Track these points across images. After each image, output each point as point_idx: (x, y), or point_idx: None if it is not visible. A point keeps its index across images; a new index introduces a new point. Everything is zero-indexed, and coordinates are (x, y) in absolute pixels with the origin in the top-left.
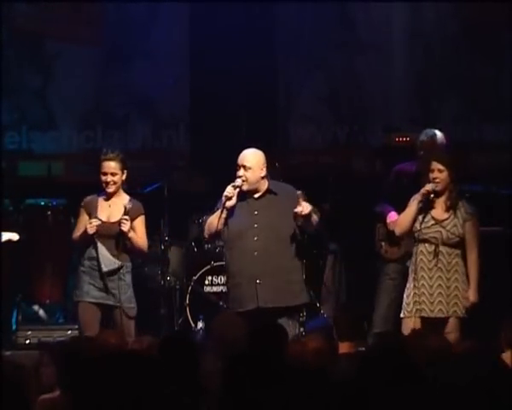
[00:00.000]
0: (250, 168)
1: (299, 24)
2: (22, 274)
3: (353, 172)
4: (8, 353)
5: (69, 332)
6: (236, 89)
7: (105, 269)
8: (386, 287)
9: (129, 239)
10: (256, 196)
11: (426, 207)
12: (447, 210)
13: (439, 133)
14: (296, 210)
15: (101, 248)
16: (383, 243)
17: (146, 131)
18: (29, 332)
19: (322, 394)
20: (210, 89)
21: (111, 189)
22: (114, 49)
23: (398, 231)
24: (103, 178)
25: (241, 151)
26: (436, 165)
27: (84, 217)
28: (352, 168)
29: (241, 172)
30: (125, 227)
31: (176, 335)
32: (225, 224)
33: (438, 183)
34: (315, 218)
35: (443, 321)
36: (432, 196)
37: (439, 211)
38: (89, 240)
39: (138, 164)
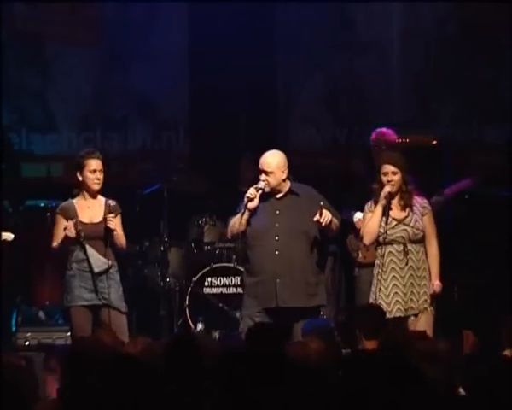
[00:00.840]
0: (271, 172)
1: (298, 25)
2: (22, 276)
3: (353, 173)
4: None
5: (68, 334)
6: (236, 90)
7: (97, 270)
8: (366, 294)
9: (113, 237)
10: (278, 196)
11: (385, 209)
12: (403, 209)
13: (388, 131)
14: (316, 219)
15: (90, 250)
16: (359, 252)
17: (145, 132)
18: (28, 334)
19: (323, 394)
20: (210, 90)
21: (98, 186)
22: (114, 51)
23: (367, 240)
24: (92, 175)
25: (240, 153)
26: (389, 167)
27: (62, 224)
28: (351, 170)
29: (262, 176)
30: (112, 224)
31: (181, 336)
32: (248, 223)
33: (393, 185)
34: (335, 222)
35: (411, 318)
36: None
37: (396, 211)
38: (69, 244)
39: (138, 166)
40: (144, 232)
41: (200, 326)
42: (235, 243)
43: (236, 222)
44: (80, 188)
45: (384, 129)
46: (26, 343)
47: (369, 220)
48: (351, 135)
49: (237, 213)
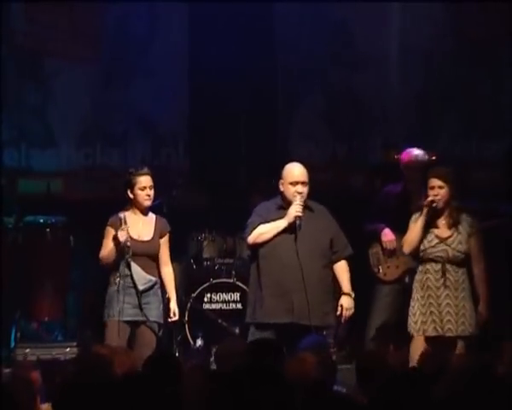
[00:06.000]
0: (307, 184)
1: (297, 41)
2: (21, 291)
3: (352, 189)
4: (6, 370)
5: (68, 350)
6: (236, 106)
7: (141, 287)
8: (382, 306)
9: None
10: None
11: (429, 225)
12: (450, 227)
13: (418, 151)
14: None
15: (135, 267)
16: (380, 267)
17: (145, 148)
18: (27, 350)
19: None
20: (209, 106)
21: (149, 202)
22: (113, 67)
23: (406, 249)
24: (142, 192)
25: (240, 168)
26: (436, 181)
27: (112, 235)
28: (350, 185)
29: (300, 188)
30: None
31: (158, 355)
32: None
33: (439, 199)
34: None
35: (451, 340)
36: (434, 204)
37: (441, 229)
38: (118, 252)
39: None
40: None
41: (199, 342)
42: (250, 251)
43: (271, 232)
44: (131, 204)
45: (413, 150)
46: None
47: (410, 230)
48: (350, 150)
49: (259, 220)
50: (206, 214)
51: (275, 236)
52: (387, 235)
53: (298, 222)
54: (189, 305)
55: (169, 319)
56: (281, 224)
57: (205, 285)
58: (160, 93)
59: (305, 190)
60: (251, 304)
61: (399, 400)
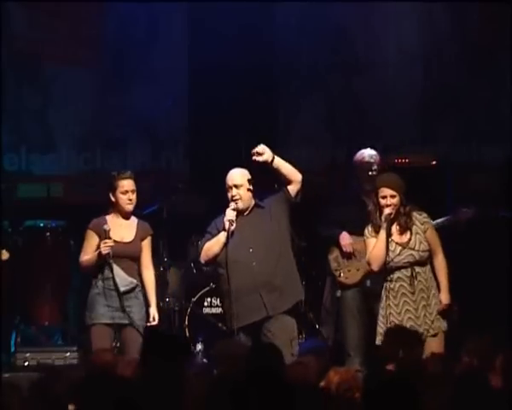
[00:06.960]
0: (241, 185)
1: (297, 43)
2: (21, 296)
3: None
4: (6, 375)
5: (68, 354)
6: (235, 110)
7: (123, 289)
8: (352, 315)
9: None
10: (245, 213)
11: (387, 234)
12: (404, 232)
13: (374, 152)
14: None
15: (117, 269)
16: (341, 272)
17: (145, 152)
18: (28, 354)
19: None
20: (209, 110)
21: (131, 207)
22: (113, 71)
23: (376, 266)
24: (124, 196)
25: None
26: (387, 191)
27: (93, 239)
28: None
29: (234, 191)
30: (107, 250)
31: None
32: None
33: (393, 209)
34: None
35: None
36: (392, 216)
37: (397, 235)
38: (100, 261)
39: (137, 185)
40: None
41: (199, 347)
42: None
43: (215, 247)
44: (113, 207)
45: (372, 151)
46: (25, 364)
47: (374, 246)
48: (350, 155)
49: (208, 239)
50: (206, 218)
51: (224, 245)
52: (345, 238)
53: (231, 228)
54: (189, 309)
55: (148, 324)
56: (221, 234)
57: (205, 290)
58: (159, 97)
59: (239, 192)
60: (226, 314)
61: (393, 402)
